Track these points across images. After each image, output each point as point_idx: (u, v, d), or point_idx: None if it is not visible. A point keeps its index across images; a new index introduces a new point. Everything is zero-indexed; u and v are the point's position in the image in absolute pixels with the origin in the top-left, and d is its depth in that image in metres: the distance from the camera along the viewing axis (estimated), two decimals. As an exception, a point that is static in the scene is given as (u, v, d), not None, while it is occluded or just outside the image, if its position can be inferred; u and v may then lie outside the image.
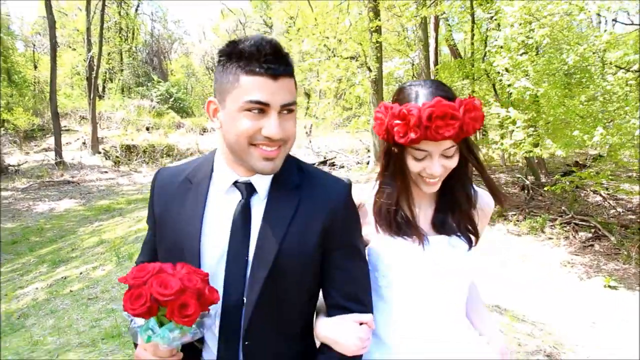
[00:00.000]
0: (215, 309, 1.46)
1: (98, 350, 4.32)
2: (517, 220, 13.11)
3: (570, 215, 12.79)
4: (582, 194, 14.65)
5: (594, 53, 9.10)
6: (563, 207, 13.47)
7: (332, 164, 22.44)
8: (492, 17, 10.28)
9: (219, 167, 1.55)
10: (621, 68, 8.44)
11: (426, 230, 1.76)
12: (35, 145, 25.90)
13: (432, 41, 21.39)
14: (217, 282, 1.48)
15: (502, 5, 9.31)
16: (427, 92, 1.58)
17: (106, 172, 21.45)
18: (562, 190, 12.47)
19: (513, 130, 10.32)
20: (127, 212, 13.61)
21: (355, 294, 1.60)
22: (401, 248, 1.71)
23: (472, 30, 17.02)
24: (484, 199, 1.87)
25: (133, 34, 40.13)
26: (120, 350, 4.20)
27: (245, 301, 1.48)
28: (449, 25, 19.86)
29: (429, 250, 1.70)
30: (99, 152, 23.46)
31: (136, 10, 39.84)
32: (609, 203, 13.84)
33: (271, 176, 1.52)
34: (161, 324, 1.33)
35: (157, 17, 43.34)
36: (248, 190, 1.52)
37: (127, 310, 1.29)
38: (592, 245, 11.70)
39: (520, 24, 9.10)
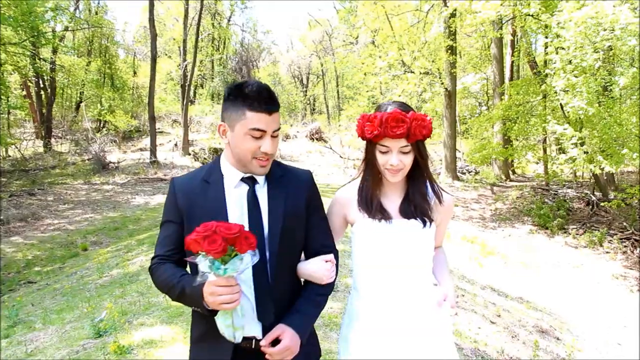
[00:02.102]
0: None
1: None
2: (577, 234, 13.55)
3: (630, 232, 13.14)
4: (649, 212, 14.82)
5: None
6: (625, 223, 13.78)
7: (405, 174, 23.15)
8: (552, 40, 10.93)
9: (226, 170, 2.12)
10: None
11: (394, 214, 2.30)
12: (132, 145, 27.95)
13: (508, 57, 21.80)
14: None
15: (560, 31, 10.00)
16: (391, 106, 2.18)
17: (195, 172, 23.21)
18: (618, 207, 12.83)
19: (566, 147, 10.90)
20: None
21: (324, 242, 2.27)
22: (375, 227, 2.28)
23: (546, 48, 17.41)
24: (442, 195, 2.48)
25: (224, 43, 42.18)
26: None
27: (268, 254, 2.04)
28: (529, 42, 20.17)
29: (394, 228, 2.27)
30: (189, 154, 25.23)
31: (228, 21, 41.93)
32: (674, 221, 13.99)
33: None
34: (224, 263, 1.77)
35: (247, 28, 44.93)
36: (252, 182, 2.11)
37: (208, 250, 1.72)
38: (649, 261, 12.04)
39: (576, 48, 9.81)
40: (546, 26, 11.47)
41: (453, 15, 15.76)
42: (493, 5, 11.39)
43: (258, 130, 1.99)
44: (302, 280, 2.26)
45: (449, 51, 17.20)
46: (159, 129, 28.25)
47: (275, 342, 1.99)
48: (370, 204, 2.31)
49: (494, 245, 12.29)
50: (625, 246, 12.72)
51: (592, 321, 8.36)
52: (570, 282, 10.63)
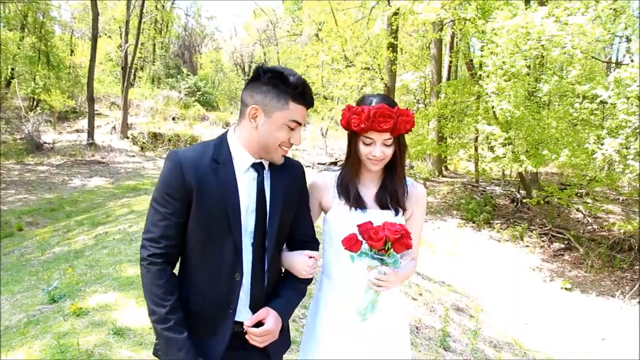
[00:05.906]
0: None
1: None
2: (501, 228, 14.46)
3: (548, 228, 14.17)
4: (567, 210, 15.94)
5: (570, 84, 10.47)
6: (544, 220, 14.82)
7: (343, 166, 23.76)
8: (486, 44, 11.62)
9: (236, 152, 2.03)
10: (585, 98, 9.84)
11: (369, 203, 2.37)
12: (68, 126, 27.18)
13: (446, 58, 22.67)
14: (249, 228, 2.04)
15: (493, 37, 10.68)
16: (377, 100, 2.25)
17: (133, 156, 22.99)
18: (538, 204, 13.82)
19: (494, 146, 11.69)
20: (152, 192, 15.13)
21: (307, 232, 2.30)
22: (349, 215, 2.32)
23: (482, 51, 18.20)
24: (415, 188, 2.50)
25: (167, 27, 41.42)
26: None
27: (267, 243, 2.07)
28: (467, 44, 20.97)
29: (367, 218, 2.23)
30: (127, 137, 24.92)
31: (172, 4, 41.29)
32: (587, 220, 15.11)
33: None
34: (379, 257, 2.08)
35: (191, 12, 44.17)
36: (261, 168, 2.06)
37: (370, 240, 2.02)
38: (562, 255, 13.04)
39: (506, 54, 10.52)
40: (482, 31, 12.19)
41: (396, 14, 16.31)
42: (433, 8, 11.97)
43: (297, 122, 2.00)
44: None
45: (390, 48, 17.81)
46: (96, 110, 27.55)
47: (259, 325, 2.02)
48: (348, 191, 2.38)
49: (424, 236, 12.96)
50: (543, 241, 13.72)
51: (504, 304, 9.21)
52: (491, 271, 11.43)
